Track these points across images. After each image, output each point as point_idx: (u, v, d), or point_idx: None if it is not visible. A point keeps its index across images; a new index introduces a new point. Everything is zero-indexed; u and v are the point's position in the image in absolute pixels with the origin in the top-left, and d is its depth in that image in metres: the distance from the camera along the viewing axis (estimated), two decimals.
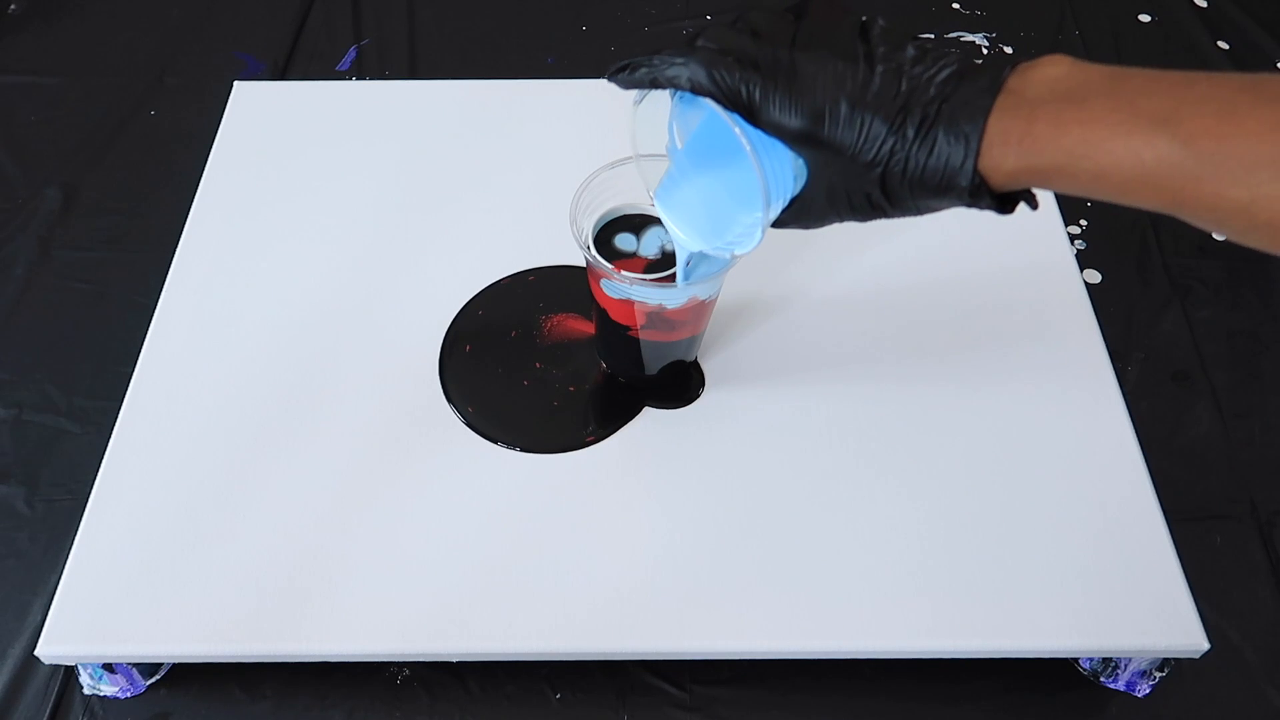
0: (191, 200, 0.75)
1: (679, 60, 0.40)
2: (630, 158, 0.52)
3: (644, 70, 0.41)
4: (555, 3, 1.08)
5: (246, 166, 0.77)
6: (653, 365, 0.64)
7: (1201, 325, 0.81)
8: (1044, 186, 0.37)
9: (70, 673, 0.62)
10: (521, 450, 0.62)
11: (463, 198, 0.76)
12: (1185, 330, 0.80)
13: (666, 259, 0.58)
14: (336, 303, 0.69)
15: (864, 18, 0.40)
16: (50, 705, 0.61)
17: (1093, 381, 0.65)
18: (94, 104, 0.96)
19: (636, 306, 0.58)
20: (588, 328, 0.69)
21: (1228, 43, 1.04)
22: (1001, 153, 0.36)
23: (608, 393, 0.65)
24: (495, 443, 0.62)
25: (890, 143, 0.37)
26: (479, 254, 0.72)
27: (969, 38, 1.05)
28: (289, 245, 0.72)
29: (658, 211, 0.50)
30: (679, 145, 0.47)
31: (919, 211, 0.40)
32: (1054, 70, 0.35)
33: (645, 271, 0.57)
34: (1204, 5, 1.08)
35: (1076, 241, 0.86)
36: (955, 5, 1.08)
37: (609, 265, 0.56)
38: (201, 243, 0.72)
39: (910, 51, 0.38)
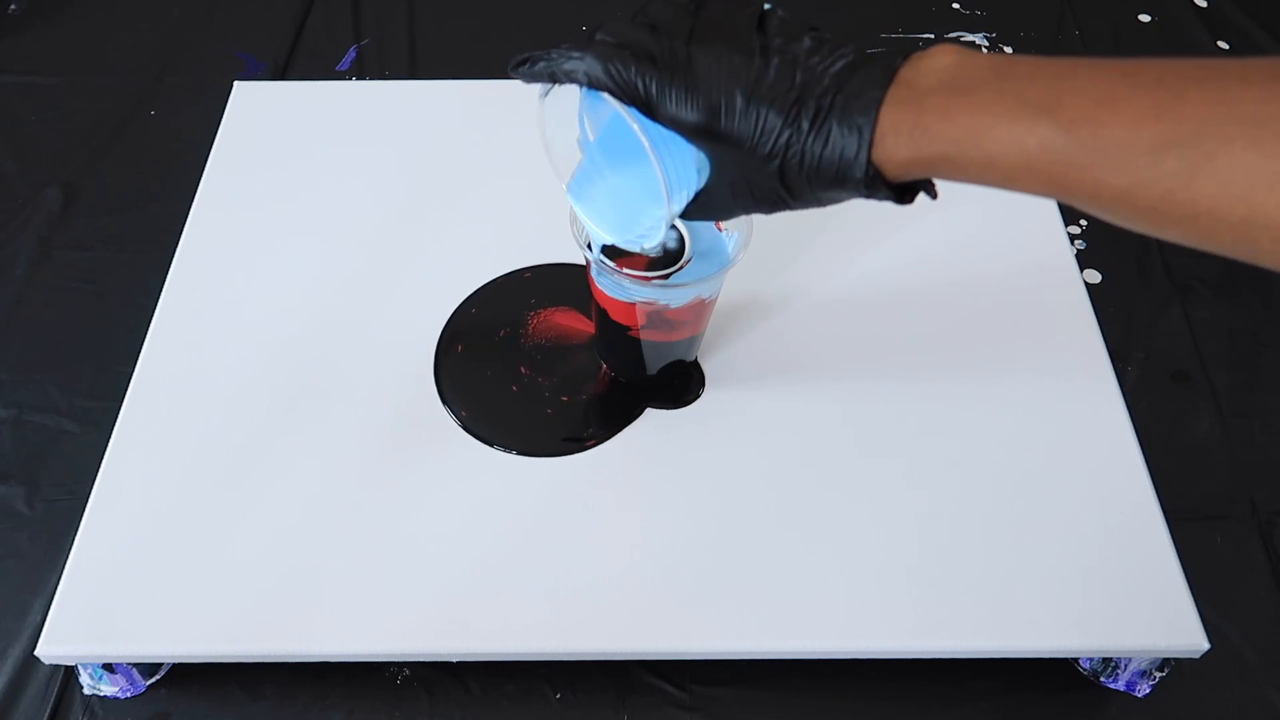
0: (191, 200, 0.75)
1: (576, 55, 0.40)
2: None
3: (542, 64, 0.41)
4: (555, 3, 1.08)
5: (246, 166, 0.77)
6: (653, 365, 0.64)
7: (1201, 325, 0.81)
8: (936, 175, 0.37)
9: (70, 673, 0.62)
10: (519, 454, 0.62)
11: (463, 197, 0.76)
12: (1185, 330, 0.80)
13: (668, 257, 0.58)
14: (337, 302, 0.69)
15: (765, 7, 0.40)
16: (50, 705, 0.61)
17: (1093, 381, 0.65)
18: (94, 104, 0.96)
19: (638, 306, 0.58)
20: (576, 321, 0.68)
21: (1228, 43, 1.04)
22: (894, 143, 0.36)
23: (608, 396, 0.65)
24: (492, 446, 0.62)
25: (786, 135, 0.37)
26: (480, 254, 0.72)
27: (969, 38, 1.05)
28: (289, 245, 0.72)
29: (570, 203, 0.50)
30: (590, 138, 0.47)
31: (820, 203, 0.40)
32: (943, 60, 0.36)
33: (647, 269, 0.57)
34: (1204, 5, 1.08)
35: (1076, 241, 0.86)
36: (955, 5, 1.08)
37: (611, 264, 0.56)
38: (201, 243, 0.72)
39: (806, 43, 0.38)
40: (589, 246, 0.57)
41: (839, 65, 0.37)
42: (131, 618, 0.56)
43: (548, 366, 0.67)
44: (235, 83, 0.83)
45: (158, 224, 0.83)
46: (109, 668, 0.58)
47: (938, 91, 0.35)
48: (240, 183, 0.76)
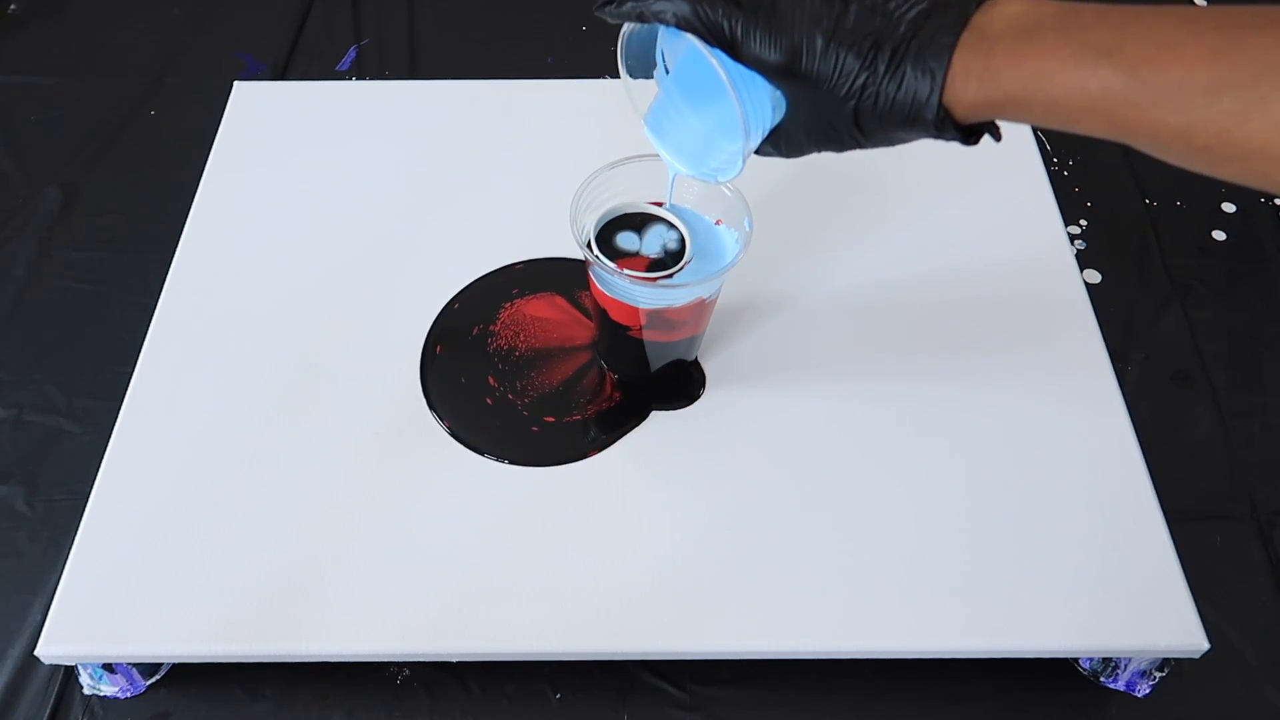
0: (191, 200, 0.75)
1: None
2: (630, 157, 0.52)
3: (631, 4, 0.43)
4: (555, 3, 1.08)
5: (246, 166, 0.77)
6: (653, 365, 0.64)
7: (1201, 325, 0.81)
8: (1003, 117, 0.39)
9: (70, 673, 0.62)
10: (513, 464, 0.62)
11: (463, 198, 0.76)
12: (1185, 330, 0.80)
13: (669, 257, 0.58)
14: (337, 302, 0.69)
15: None
16: (50, 705, 0.61)
17: (1093, 381, 0.66)
18: (94, 104, 0.96)
19: (639, 306, 0.58)
20: (552, 310, 0.68)
21: None
22: (964, 86, 0.37)
23: (611, 405, 0.65)
24: (482, 455, 0.62)
25: (863, 78, 0.39)
26: (480, 254, 0.72)
27: None
28: (289, 245, 0.72)
29: (647, 136, 0.51)
30: (667, 72, 0.48)
31: (890, 143, 0.42)
32: (1013, 7, 0.37)
33: (648, 270, 0.57)
34: (1203, 5, 1.08)
35: (1076, 241, 0.86)
36: None
37: (611, 264, 0.56)
38: (201, 243, 0.72)
39: None
40: (589, 246, 0.57)
41: (915, 11, 0.38)
42: (131, 618, 0.56)
43: (513, 375, 0.65)
44: (235, 83, 0.83)
45: (158, 224, 0.83)
46: (109, 668, 0.58)
47: (1006, 37, 0.37)
48: (240, 183, 0.76)
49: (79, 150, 0.92)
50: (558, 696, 0.61)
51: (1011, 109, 0.37)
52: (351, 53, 1.02)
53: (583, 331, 0.68)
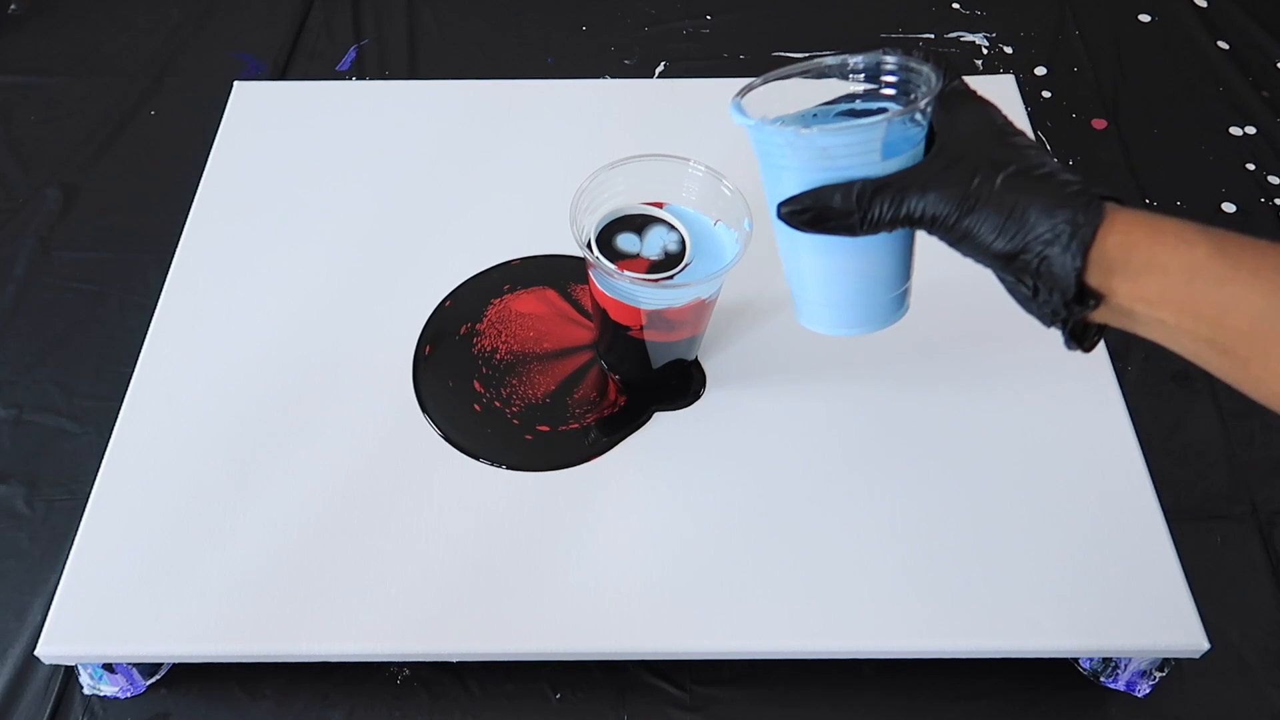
0: (191, 200, 0.75)
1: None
2: (630, 157, 0.51)
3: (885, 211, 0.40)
4: (555, 3, 1.08)
5: (246, 166, 0.77)
6: (654, 365, 0.64)
7: None
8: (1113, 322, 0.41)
9: (70, 673, 0.62)
10: (509, 469, 0.62)
11: (462, 197, 0.76)
12: None
13: (669, 259, 0.58)
14: (337, 302, 0.69)
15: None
16: (50, 705, 0.61)
17: (1093, 381, 0.65)
18: (94, 104, 0.96)
19: (640, 307, 0.58)
20: (540, 305, 0.68)
21: (1228, 43, 1.04)
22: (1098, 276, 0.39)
23: (614, 410, 0.64)
24: (477, 460, 0.62)
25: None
26: (479, 253, 0.72)
27: (969, 37, 1.05)
28: (289, 245, 0.72)
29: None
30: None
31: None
32: (1138, 244, 0.37)
33: (648, 272, 0.57)
34: (1204, 5, 1.08)
35: None
36: (955, 5, 1.08)
37: (611, 265, 0.56)
38: (201, 243, 0.72)
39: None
40: (589, 247, 0.57)
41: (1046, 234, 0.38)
42: (131, 618, 0.56)
43: (497, 381, 0.65)
44: (235, 83, 0.83)
45: (158, 224, 0.83)
46: (109, 668, 0.58)
47: (1124, 275, 0.38)
48: (240, 183, 0.76)
49: (79, 150, 0.92)
50: (558, 696, 0.61)
51: (1122, 321, 0.40)
52: (351, 53, 1.02)
53: (570, 328, 0.68)
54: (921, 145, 0.41)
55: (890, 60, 0.42)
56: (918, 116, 0.40)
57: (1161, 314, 0.37)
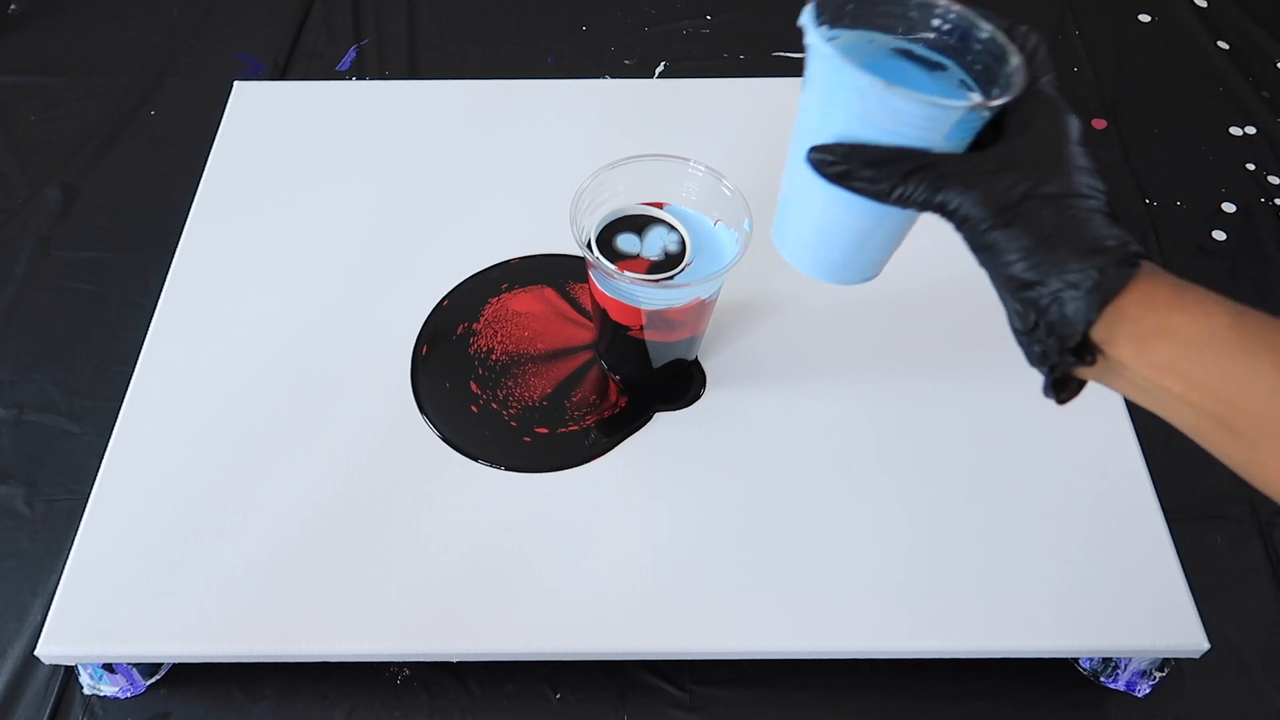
0: (191, 200, 0.75)
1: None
2: (630, 157, 0.52)
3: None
4: (555, 3, 1.08)
5: (246, 166, 0.77)
6: (654, 364, 0.64)
7: None
8: (1106, 380, 0.38)
9: (70, 673, 0.62)
10: (508, 470, 0.62)
11: (462, 197, 0.76)
12: None
13: (669, 259, 0.58)
14: (337, 302, 0.69)
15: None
16: (50, 705, 0.61)
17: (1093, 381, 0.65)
18: (94, 104, 0.96)
19: (640, 307, 0.58)
20: (538, 304, 0.68)
21: (1228, 43, 1.04)
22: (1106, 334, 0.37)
23: (615, 411, 0.64)
24: (477, 461, 0.62)
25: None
26: (478, 253, 0.72)
27: None
28: (289, 245, 0.72)
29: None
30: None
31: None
32: (1156, 309, 0.36)
33: (648, 273, 0.57)
34: (1204, 5, 1.08)
35: None
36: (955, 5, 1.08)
37: (612, 266, 0.56)
38: (201, 243, 0.72)
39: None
40: (589, 247, 0.57)
41: (1064, 294, 0.36)
42: (131, 618, 0.56)
43: (493, 383, 0.65)
44: (235, 83, 0.83)
45: (158, 224, 0.83)
46: (109, 668, 0.58)
47: (1134, 337, 0.36)
48: (240, 183, 0.76)
49: (79, 150, 0.92)
50: (558, 696, 0.61)
51: (1118, 383, 0.38)
52: (351, 53, 1.02)
53: (568, 327, 0.68)
54: (977, 133, 0.39)
55: (983, 33, 0.40)
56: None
57: (1167, 381, 0.35)
